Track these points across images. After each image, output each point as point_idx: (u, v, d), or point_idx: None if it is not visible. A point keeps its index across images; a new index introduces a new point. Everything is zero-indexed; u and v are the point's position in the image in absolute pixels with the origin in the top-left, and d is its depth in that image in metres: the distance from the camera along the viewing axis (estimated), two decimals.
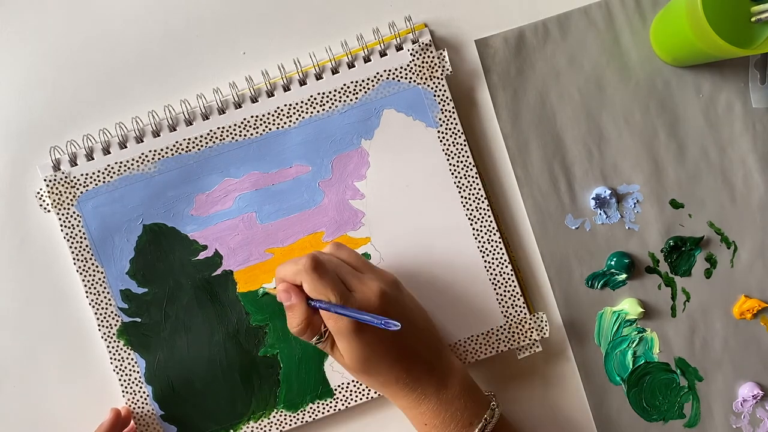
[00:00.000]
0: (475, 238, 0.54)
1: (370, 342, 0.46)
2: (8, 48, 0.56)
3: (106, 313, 0.54)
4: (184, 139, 0.54)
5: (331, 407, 0.54)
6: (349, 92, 0.54)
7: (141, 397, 0.54)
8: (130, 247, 0.54)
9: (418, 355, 0.48)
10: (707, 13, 0.46)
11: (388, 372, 0.47)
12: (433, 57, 0.54)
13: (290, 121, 0.54)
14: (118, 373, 0.54)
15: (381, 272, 0.49)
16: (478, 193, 0.54)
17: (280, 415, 0.54)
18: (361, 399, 0.54)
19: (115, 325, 0.54)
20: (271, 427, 0.54)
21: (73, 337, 0.55)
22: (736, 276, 0.56)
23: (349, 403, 0.54)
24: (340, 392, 0.54)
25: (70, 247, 0.54)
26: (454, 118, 0.54)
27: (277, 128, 0.54)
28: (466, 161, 0.54)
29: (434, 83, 0.54)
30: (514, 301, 0.54)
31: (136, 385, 0.54)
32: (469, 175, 0.54)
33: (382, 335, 0.46)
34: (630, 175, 0.56)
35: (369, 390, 0.54)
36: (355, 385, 0.54)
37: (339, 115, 0.54)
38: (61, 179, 0.53)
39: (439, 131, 0.54)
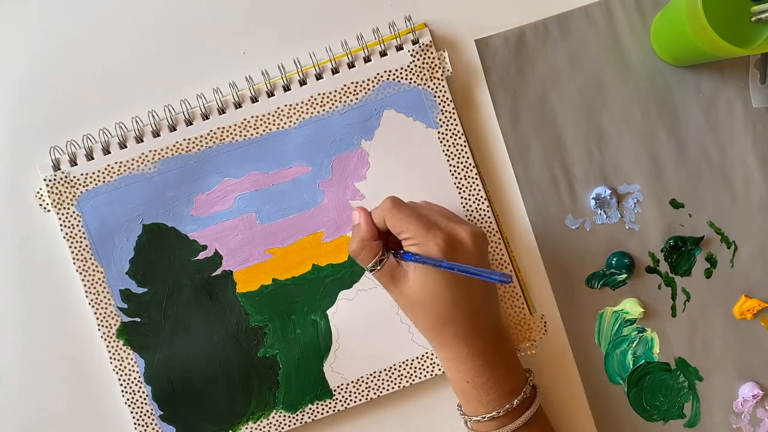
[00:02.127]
0: None
1: (446, 282, 0.46)
2: (8, 48, 0.56)
3: (105, 313, 0.54)
4: (184, 139, 0.54)
5: (330, 408, 0.54)
6: (350, 93, 0.54)
7: (140, 397, 0.54)
8: (130, 247, 0.54)
9: (482, 311, 0.48)
10: (707, 13, 0.46)
11: (451, 317, 0.47)
12: (434, 58, 0.54)
13: (290, 121, 0.54)
14: (117, 372, 0.54)
15: (473, 224, 0.49)
16: (478, 194, 0.54)
17: (280, 416, 0.54)
18: (360, 400, 0.54)
19: (115, 324, 0.54)
20: (270, 427, 0.54)
21: (72, 336, 0.55)
22: (736, 276, 0.56)
23: (348, 404, 0.54)
24: (339, 393, 0.54)
25: (70, 246, 0.54)
26: (455, 119, 0.54)
27: (277, 128, 0.54)
28: (466, 162, 0.54)
29: (434, 84, 0.54)
30: (513, 301, 0.54)
31: (136, 384, 0.54)
32: (469, 176, 0.54)
33: (458, 279, 0.46)
34: (630, 174, 0.55)
35: (368, 390, 0.54)
36: (354, 386, 0.54)
37: (339, 116, 0.54)
38: (61, 179, 0.53)
39: (439, 132, 0.54)
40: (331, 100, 0.54)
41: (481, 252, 0.48)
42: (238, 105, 0.54)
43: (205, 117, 0.54)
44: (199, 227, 0.54)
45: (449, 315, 0.46)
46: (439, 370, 0.54)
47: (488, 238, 0.49)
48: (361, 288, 0.54)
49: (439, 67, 0.54)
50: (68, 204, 0.54)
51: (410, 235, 0.46)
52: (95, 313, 0.54)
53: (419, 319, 0.48)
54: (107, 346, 0.54)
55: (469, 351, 0.47)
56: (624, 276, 0.55)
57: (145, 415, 0.54)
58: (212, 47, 0.56)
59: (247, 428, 0.54)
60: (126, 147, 0.54)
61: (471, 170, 0.54)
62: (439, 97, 0.54)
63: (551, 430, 0.51)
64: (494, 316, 0.49)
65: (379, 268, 0.48)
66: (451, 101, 0.54)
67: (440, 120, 0.54)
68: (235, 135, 0.54)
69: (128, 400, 0.54)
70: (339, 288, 0.54)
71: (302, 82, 0.54)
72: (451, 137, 0.54)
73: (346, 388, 0.54)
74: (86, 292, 0.54)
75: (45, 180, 0.53)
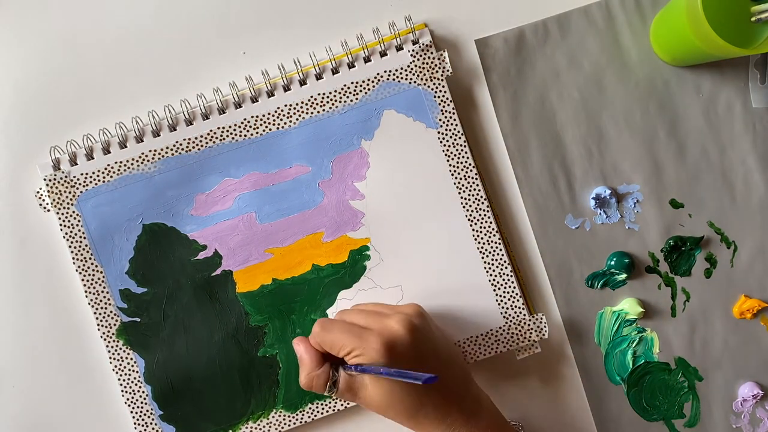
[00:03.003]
0: (475, 239, 0.54)
1: (399, 381, 0.46)
2: (8, 47, 0.56)
3: (105, 313, 0.54)
4: (184, 139, 0.54)
5: (330, 407, 0.54)
6: (350, 93, 0.54)
7: (140, 396, 0.54)
8: (130, 246, 0.54)
9: (450, 387, 0.47)
10: (707, 13, 0.46)
11: (421, 406, 0.46)
12: (434, 58, 0.54)
13: (290, 121, 0.54)
14: (117, 372, 0.54)
15: (402, 307, 0.50)
16: (478, 194, 0.54)
17: (279, 416, 0.54)
18: None
19: (115, 324, 0.54)
20: (270, 427, 0.54)
21: (72, 336, 0.55)
22: (736, 276, 0.56)
23: (348, 404, 0.54)
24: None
25: (70, 246, 0.54)
26: (454, 119, 0.54)
27: (277, 128, 0.54)
28: (466, 162, 0.54)
29: (434, 84, 0.54)
30: (513, 301, 0.54)
31: (136, 384, 0.54)
32: (469, 176, 0.54)
33: (409, 368, 0.46)
34: (630, 174, 0.55)
35: None
36: None
37: (339, 116, 0.54)
38: (61, 179, 0.53)
39: (439, 132, 0.54)
40: (331, 100, 0.54)
41: (422, 331, 0.47)
42: (238, 105, 0.54)
43: (206, 117, 0.54)
44: (199, 227, 0.54)
45: (419, 405, 0.46)
46: None
47: (422, 314, 0.49)
48: (360, 288, 0.54)
49: (439, 67, 0.54)
50: (68, 204, 0.54)
51: (348, 350, 0.46)
52: (95, 313, 0.54)
53: (392, 417, 0.48)
54: (107, 346, 0.54)
55: (447, 427, 0.47)
56: (624, 276, 0.55)
57: (145, 414, 0.54)
58: (212, 47, 0.56)
59: (247, 428, 0.54)
60: (126, 147, 0.54)
61: (471, 170, 0.54)
62: (439, 97, 0.54)
63: None
64: (464, 381, 0.49)
65: (335, 390, 0.48)
66: (450, 101, 0.54)
67: (440, 120, 0.54)
68: (235, 135, 0.54)
69: (128, 399, 0.54)
70: (339, 288, 0.54)
71: (302, 82, 0.54)
72: (451, 137, 0.54)
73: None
74: (86, 291, 0.54)
75: (45, 179, 0.53)
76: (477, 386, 0.50)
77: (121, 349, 0.54)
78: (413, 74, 0.54)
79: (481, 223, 0.54)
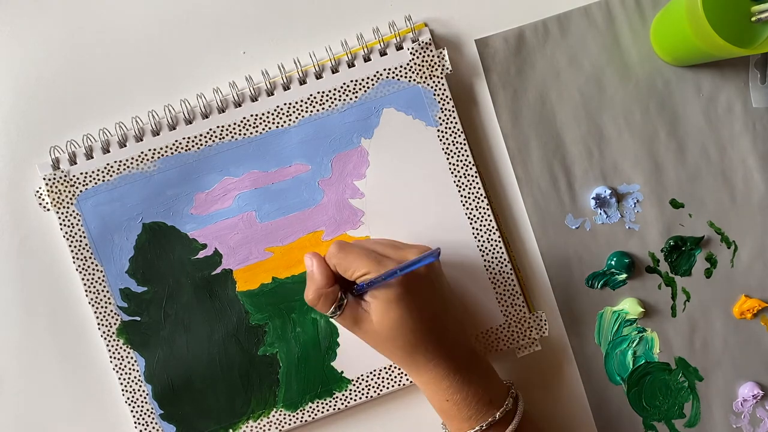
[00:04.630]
0: (475, 238, 0.54)
1: (407, 310, 0.46)
2: (8, 47, 0.56)
3: (105, 312, 0.54)
4: (184, 138, 0.54)
5: (330, 407, 0.54)
6: (349, 91, 0.54)
7: (140, 395, 0.54)
8: (130, 245, 0.54)
9: (448, 330, 0.48)
10: (707, 12, 0.46)
11: (420, 342, 0.46)
12: (433, 56, 0.54)
13: (290, 120, 0.54)
14: (117, 371, 0.54)
15: (420, 245, 0.49)
16: (478, 193, 0.54)
17: (280, 415, 0.54)
18: (360, 398, 0.54)
19: (115, 323, 0.54)
20: (270, 426, 0.54)
21: (72, 335, 0.55)
22: (736, 276, 0.56)
23: (348, 403, 0.54)
24: (339, 391, 0.54)
25: (70, 245, 0.54)
26: (454, 118, 0.54)
27: (277, 127, 0.54)
28: (465, 160, 0.54)
29: (434, 82, 0.54)
30: (513, 300, 0.54)
31: (136, 383, 0.54)
32: (468, 175, 0.54)
33: (418, 304, 0.46)
34: (630, 174, 0.55)
35: (369, 389, 0.54)
36: (354, 384, 0.54)
37: (339, 114, 0.54)
38: (61, 178, 0.53)
39: (438, 130, 0.54)
40: (331, 98, 0.54)
41: (434, 269, 0.48)
42: (238, 104, 0.54)
43: (205, 116, 0.54)
44: (198, 226, 0.54)
45: (418, 341, 0.46)
46: None
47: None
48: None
49: (439, 65, 0.54)
50: (68, 203, 0.54)
51: (363, 272, 0.46)
52: (95, 312, 0.54)
53: (390, 353, 0.48)
54: (107, 345, 0.54)
55: (444, 370, 0.47)
56: (624, 276, 0.55)
57: (145, 413, 0.54)
58: (212, 47, 0.56)
59: (247, 427, 0.54)
60: (126, 146, 0.54)
61: (470, 168, 0.54)
62: (438, 95, 0.54)
63: None
64: (462, 332, 0.49)
65: (339, 312, 0.47)
66: (450, 99, 0.54)
67: (440, 118, 0.54)
68: (235, 134, 0.54)
69: (128, 398, 0.54)
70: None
71: (302, 81, 0.54)
72: (450, 135, 0.54)
73: (347, 386, 0.54)
74: (86, 291, 0.54)
75: (44, 179, 0.53)
76: (472, 342, 0.50)
77: (121, 348, 0.54)
78: (413, 72, 0.54)
79: (481, 221, 0.54)
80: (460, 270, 0.54)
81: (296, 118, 0.54)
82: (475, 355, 0.49)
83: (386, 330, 0.46)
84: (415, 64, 0.54)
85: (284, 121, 0.54)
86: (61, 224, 0.54)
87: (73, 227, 0.54)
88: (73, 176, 0.54)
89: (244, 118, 0.54)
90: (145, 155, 0.54)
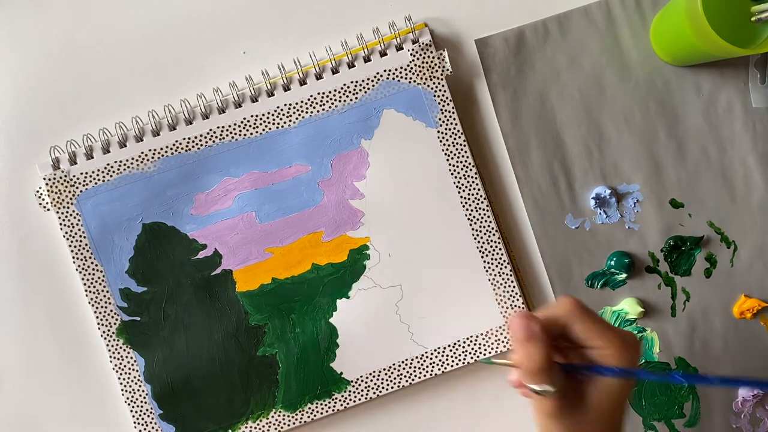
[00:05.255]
0: (475, 238, 0.54)
1: (625, 396, 0.40)
2: (8, 47, 0.56)
3: (105, 312, 0.54)
4: (184, 139, 0.54)
5: (329, 407, 0.54)
6: (349, 92, 0.54)
7: (140, 395, 0.54)
8: (130, 246, 0.54)
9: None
10: (707, 12, 0.46)
11: (621, 413, 0.41)
12: (433, 57, 0.54)
13: (290, 120, 0.54)
14: (117, 371, 0.54)
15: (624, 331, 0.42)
16: (477, 193, 0.54)
17: (279, 415, 0.54)
18: (360, 399, 0.54)
19: (115, 323, 0.54)
20: (269, 427, 0.54)
21: (72, 335, 0.55)
22: (736, 275, 0.56)
23: (347, 404, 0.54)
24: (339, 392, 0.54)
25: (70, 245, 0.54)
26: (454, 119, 0.54)
27: (277, 128, 0.54)
28: (465, 161, 0.54)
29: (434, 83, 0.54)
30: (513, 301, 0.54)
31: (135, 383, 0.54)
32: (468, 175, 0.54)
33: (591, 416, 0.40)
34: (630, 174, 0.55)
35: (368, 390, 0.54)
36: (354, 385, 0.54)
37: (339, 115, 0.54)
38: (61, 178, 0.53)
39: (438, 131, 0.54)
40: (331, 99, 0.54)
41: (636, 360, 0.41)
42: (238, 104, 0.54)
43: (205, 116, 0.54)
44: (198, 226, 0.54)
45: (622, 411, 0.41)
46: (439, 369, 0.54)
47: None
48: (360, 287, 0.54)
49: (439, 67, 0.54)
50: (68, 203, 0.54)
51: (603, 345, 0.39)
52: (95, 312, 0.54)
53: (608, 423, 0.40)
54: (107, 345, 0.54)
55: None
56: (624, 276, 0.55)
57: (144, 413, 0.54)
58: (212, 47, 0.56)
59: (246, 427, 0.54)
60: (126, 146, 0.54)
61: (470, 169, 0.54)
62: (438, 96, 0.54)
63: None
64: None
65: (551, 392, 0.39)
66: (450, 101, 0.54)
67: (440, 119, 0.54)
68: (235, 134, 0.54)
69: (128, 398, 0.54)
70: (339, 287, 0.54)
71: (302, 82, 0.54)
72: (450, 136, 0.54)
73: (346, 387, 0.54)
74: (86, 291, 0.54)
75: (44, 179, 0.53)
76: None
77: (121, 348, 0.54)
78: (413, 73, 0.54)
79: (481, 222, 0.54)
80: (460, 271, 0.54)
81: (296, 118, 0.54)
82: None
83: (604, 413, 0.39)
84: (415, 65, 0.54)
85: (284, 122, 0.54)
86: (61, 224, 0.54)
87: (73, 227, 0.54)
88: (73, 176, 0.54)
89: (244, 118, 0.54)
90: (145, 155, 0.54)
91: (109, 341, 0.54)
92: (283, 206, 0.54)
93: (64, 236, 0.54)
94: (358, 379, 0.54)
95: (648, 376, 0.40)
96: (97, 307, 0.54)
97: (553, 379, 0.39)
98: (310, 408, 0.54)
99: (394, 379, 0.54)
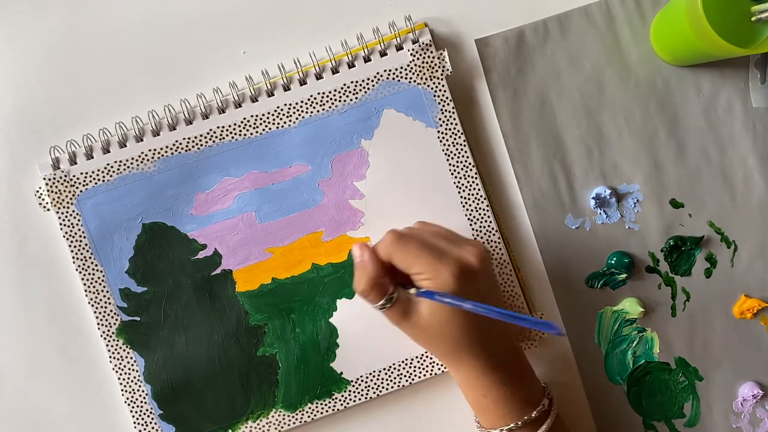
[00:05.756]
0: (475, 238, 0.54)
1: (458, 309, 0.45)
2: (8, 47, 0.56)
3: (105, 312, 0.54)
4: (184, 138, 0.54)
5: (330, 407, 0.54)
6: (349, 92, 0.54)
7: (140, 395, 0.54)
8: (130, 246, 0.54)
9: (494, 328, 0.47)
10: (707, 12, 0.46)
11: (466, 341, 0.46)
12: (433, 57, 0.54)
13: (290, 120, 0.54)
14: (117, 371, 0.54)
15: (475, 241, 0.48)
16: (478, 193, 0.54)
17: (279, 415, 0.54)
18: (359, 399, 0.54)
19: (114, 323, 0.54)
20: (269, 426, 0.54)
21: (72, 335, 0.55)
22: (736, 275, 0.56)
23: (347, 403, 0.54)
24: (338, 392, 0.54)
25: (70, 245, 0.54)
26: (454, 118, 0.54)
27: (277, 128, 0.54)
28: (465, 161, 0.54)
29: (434, 83, 0.54)
30: (513, 300, 0.54)
31: (135, 383, 0.54)
32: (469, 175, 0.54)
33: (424, 326, 0.46)
34: (630, 174, 0.55)
35: (368, 390, 0.54)
36: (354, 385, 0.54)
37: (339, 115, 0.54)
38: (61, 178, 0.53)
39: (438, 131, 0.54)
40: (331, 99, 0.54)
41: (489, 272, 0.47)
42: (238, 104, 0.54)
43: (205, 116, 0.54)
44: (198, 226, 0.54)
45: (464, 339, 0.46)
46: (439, 369, 0.54)
47: (490, 253, 0.48)
48: None
49: (439, 67, 0.54)
50: (68, 203, 0.54)
51: (420, 270, 0.45)
52: (95, 312, 0.54)
53: (434, 348, 0.47)
54: (107, 345, 0.54)
55: (485, 368, 0.47)
56: (624, 276, 0.55)
57: (144, 414, 0.54)
58: (212, 47, 0.56)
59: (246, 427, 0.54)
60: (126, 146, 0.54)
61: (471, 170, 0.54)
62: (438, 96, 0.54)
63: None
64: (506, 329, 0.49)
65: (389, 306, 0.46)
66: (450, 100, 0.54)
67: (440, 119, 0.54)
68: (235, 134, 0.54)
69: (128, 399, 0.54)
70: (339, 287, 0.54)
71: (302, 82, 0.54)
72: (450, 136, 0.54)
73: (346, 387, 0.54)
74: (86, 291, 0.54)
75: (44, 179, 0.53)
76: (514, 339, 0.49)
77: (120, 348, 0.54)
78: (413, 73, 0.54)
79: (481, 222, 0.54)
80: None
81: (296, 118, 0.54)
82: (516, 354, 0.49)
83: (435, 326, 0.46)
84: (415, 65, 0.54)
85: (284, 122, 0.54)
86: (61, 224, 0.54)
87: (73, 227, 0.54)
88: (73, 176, 0.54)
89: (244, 118, 0.54)
90: (145, 155, 0.54)
91: (109, 341, 0.54)
92: (283, 206, 0.54)
93: (64, 236, 0.54)
94: (358, 379, 0.54)
95: (437, 298, 0.44)
96: (97, 307, 0.54)
97: (378, 298, 0.46)
98: (310, 408, 0.54)
99: (394, 379, 0.54)
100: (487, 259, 0.47)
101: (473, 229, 0.54)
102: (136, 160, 0.54)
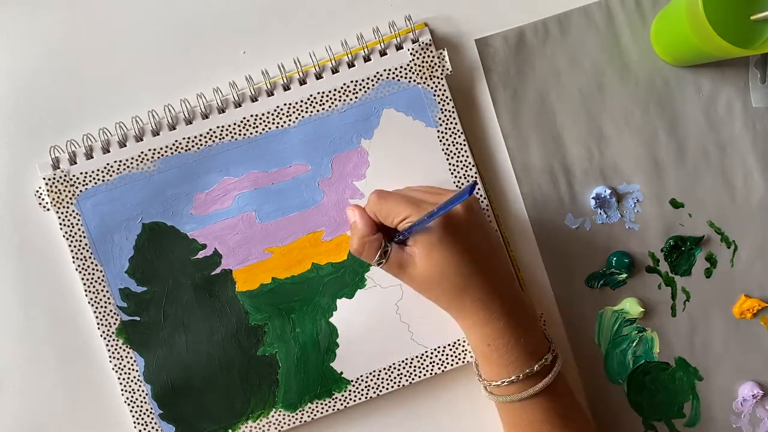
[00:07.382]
0: None
1: (450, 252, 0.46)
2: (8, 47, 0.56)
3: (105, 312, 0.54)
4: (184, 138, 0.54)
5: (329, 407, 0.54)
6: (349, 92, 0.54)
7: (140, 395, 0.54)
8: (130, 245, 0.54)
9: (496, 271, 0.48)
10: (707, 12, 0.46)
11: (466, 285, 0.47)
12: (433, 56, 0.54)
13: (290, 120, 0.54)
14: (117, 371, 0.54)
15: (454, 189, 0.50)
16: (477, 193, 0.54)
17: (279, 415, 0.54)
18: (360, 399, 0.54)
19: (114, 323, 0.54)
20: (269, 426, 0.54)
21: (72, 335, 0.55)
22: (736, 275, 0.56)
23: (347, 403, 0.54)
24: (338, 392, 0.54)
25: (70, 245, 0.54)
26: (454, 118, 0.54)
27: (277, 127, 0.54)
28: (465, 161, 0.54)
29: (434, 83, 0.54)
30: None
31: (135, 383, 0.54)
32: (468, 175, 0.54)
33: (461, 245, 0.46)
34: (630, 174, 0.55)
35: (368, 389, 0.54)
36: (354, 385, 0.54)
37: (339, 115, 0.54)
38: (61, 178, 0.53)
39: (438, 131, 0.54)
40: (331, 99, 0.54)
41: (478, 222, 0.48)
42: (238, 104, 0.54)
43: (205, 116, 0.54)
44: (198, 226, 0.54)
45: (464, 283, 0.47)
46: (439, 369, 0.54)
47: (479, 202, 0.50)
48: (360, 287, 0.54)
49: (439, 66, 0.54)
50: (68, 203, 0.54)
51: (402, 217, 0.47)
52: (95, 312, 0.54)
53: (436, 296, 0.48)
54: (107, 345, 0.54)
55: (489, 314, 0.47)
56: (624, 276, 0.55)
57: (144, 413, 0.54)
58: (212, 47, 0.56)
59: (246, 427, 0.54)
60: (126, 146, 0.54)
61: (470, 169, 0.54)
62: (438, 95, 0.54)
63: (573, 399, 0.50)
64: (510, 276, 0.50)
65: (384, 260, 0.48)
66: (450, 100, 0.54)
67: (440, 119, 0.54)
68: (235, 134, 0.54)
69: (128, 398, 0.54)
70: (339, 287, 0.54)
71: (302, 82, 0.54)
72: (450, 136, 0.54)
73: (346, 387, 0.54)
74: (86, 290, 0.54)
75: (44, 179, 0.53)
76: (519, 288, 0.50)
77: (120, 348, 0.54)
78: (413, 73, 0.54)
79: None
80: None
81: (296, 118, 0.54)
82: (522, 303, 0.49)
83: (432, 273, 0.47)
84: (415, 64, 0.54)
85: (284, 122, 0.54)
86: (61, 224, 0.54)
87: (73, 227, 0.54)
88: (73, 176, 0.54)
89: (244, 118, 0.54)
90: (145, 155, 0.54)
91: (109, 341, 0.54)
92: (283, 206, 0.54)
93: (64, 236, 0.54)
94: (358, 379, 0.54)
95: (406, 234, 0.47)
96: (96, 307, 0.54)
97: (373, 254, 0.48)
98: (310, 407, 0.54)
99: (394, 378, 0.54)
100: (471, 204, 0.48)
101: None
102: (136, 160, 0.54)
